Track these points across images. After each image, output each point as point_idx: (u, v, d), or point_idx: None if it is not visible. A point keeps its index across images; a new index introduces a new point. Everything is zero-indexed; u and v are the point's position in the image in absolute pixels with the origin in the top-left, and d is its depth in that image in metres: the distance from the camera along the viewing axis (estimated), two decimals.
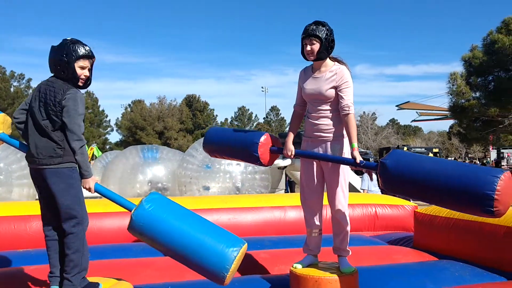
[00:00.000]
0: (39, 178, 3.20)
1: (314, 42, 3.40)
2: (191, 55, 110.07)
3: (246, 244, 3.12)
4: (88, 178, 3.19)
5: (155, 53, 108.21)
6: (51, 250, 3.24)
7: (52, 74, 3.27)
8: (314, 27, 3.42)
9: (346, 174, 3.57)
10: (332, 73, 3.47)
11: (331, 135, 3.48)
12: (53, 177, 3.12)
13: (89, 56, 3.25)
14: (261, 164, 3.66)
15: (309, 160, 3.59)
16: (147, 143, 45.48)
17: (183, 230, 3.04)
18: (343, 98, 3.40)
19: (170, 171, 8.82)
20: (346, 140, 3.50)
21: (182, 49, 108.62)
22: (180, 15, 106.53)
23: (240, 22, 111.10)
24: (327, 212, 5.53)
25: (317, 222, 3.62)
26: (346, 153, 3.48)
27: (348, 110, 3.37)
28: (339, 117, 3.46)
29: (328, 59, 3.52)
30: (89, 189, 3.20)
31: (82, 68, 3.22)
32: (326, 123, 3.47)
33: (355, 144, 3.35)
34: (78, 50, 3.17)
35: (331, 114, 3.47)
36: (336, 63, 3.55)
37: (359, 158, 3.30)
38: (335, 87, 3.43)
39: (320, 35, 3.39)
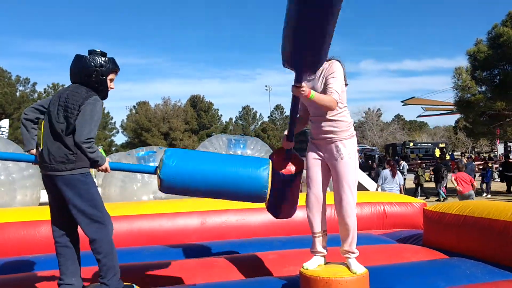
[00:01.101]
0: (50, 184, 3.20)
1: None
2: (195, 55, 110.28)
3: (270, 161, 3.34)
4: (102, 164, 3.23)
5: (159, 54, 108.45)
6: (62, 256, 3.25)
7: (72, 82, 3.32)
8: None
9: (354, 171, 3.50)
10: (321, 70, 3.39)
11: (335, 135, 3.45)
12: (67, 185, 3.12)
13: (118, 70, 3.42)
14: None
15: (315, 162, 3.56)
16: (153, 145, 45.61)
17: (212, 170, 3.21)
18: (328, 85, 3.33)
19: None
20: (350, 141, 3.49)
21: (186, 49, 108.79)
22: (184, 15, 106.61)
23: (245, 20, 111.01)
24: (331, 211, 5.53)
25: (324, 224, 3.61)
26: (353, 154, 3.46)
27: (331, 94, 3.29)
28: (341, 117, 3.44)
29: None
30: (105, 170, 3.26)
31: (111, 80, 3.37)
32: (331, 124, 3.44)
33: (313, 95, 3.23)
34: (112, 64, 3.33)
35: (332, 116, 3.42)
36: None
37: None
38: (325, 82, 3.37)
39: None
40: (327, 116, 3.43)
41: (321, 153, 3.54)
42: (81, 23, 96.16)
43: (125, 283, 3.28)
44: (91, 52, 3.28)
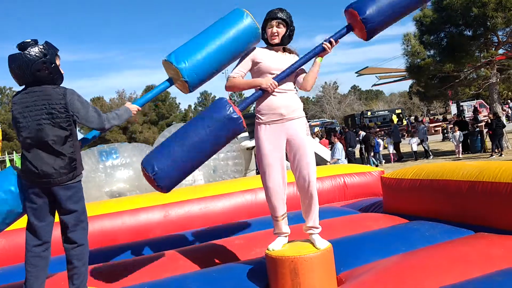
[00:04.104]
0: (42, 193, 3.09)
1: (281, 26, 3.52)
2: (149, 45, 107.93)
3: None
4: (131, 115, 3.39)
5: (113, 47, 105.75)
6: (34, 267, 3.11)
7: (22, 84, 3.10)
8: (283, 12, 3.54)
9: (312, 146, 3.56)
10: (292, 55, 3.64)
11: (295, 110, 3.49)
12: (68, 193, 3.09)
13: (58, 51, 3.22)
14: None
15: (273, 147, 3.43)
16: (112, 140, 44.67)
17: (215, 45, 3.51)
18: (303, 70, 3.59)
19: (134, 172, 8.47)
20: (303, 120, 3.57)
21: (139, 40, 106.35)
22: (134, 5, 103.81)
23: (199, 3, 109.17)
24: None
25: (285, 206, 3.59)
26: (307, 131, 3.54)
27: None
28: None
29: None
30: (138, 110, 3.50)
31: (59, 65, 3.18)
32: (291, 99, 3.50)
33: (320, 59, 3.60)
34: (52, 47, 3.11)
35: (294, 91, 3.57)
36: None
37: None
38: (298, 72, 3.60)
39: (288, 21, 3.53)
40: (294, 92, 3.58)
41: (281, 135, 3.44)
42: (27, 21, 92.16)
43: None
44: (24, 45, 3.00)
